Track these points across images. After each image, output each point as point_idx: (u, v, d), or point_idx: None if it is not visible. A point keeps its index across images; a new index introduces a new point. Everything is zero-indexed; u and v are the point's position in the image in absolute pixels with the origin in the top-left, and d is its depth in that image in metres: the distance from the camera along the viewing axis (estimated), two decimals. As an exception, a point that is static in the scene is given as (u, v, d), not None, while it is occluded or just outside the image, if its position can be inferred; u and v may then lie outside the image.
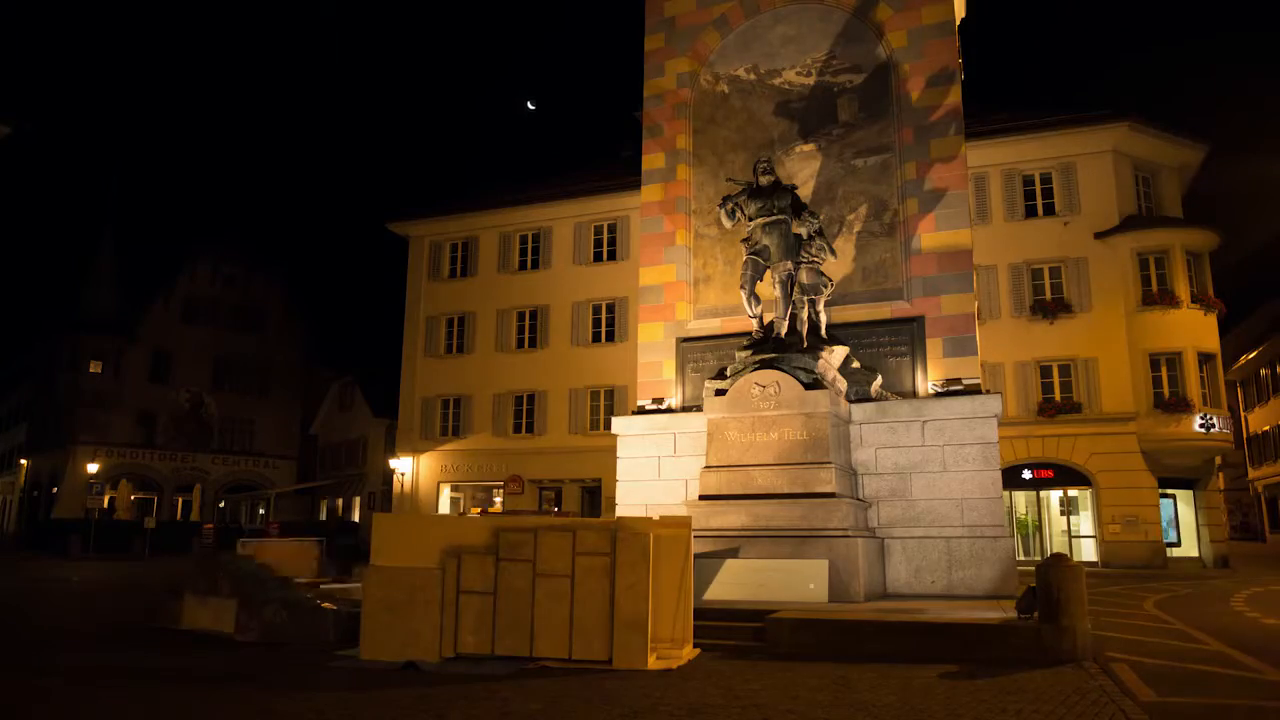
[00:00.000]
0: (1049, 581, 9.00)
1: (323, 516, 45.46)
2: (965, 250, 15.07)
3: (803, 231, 14.64)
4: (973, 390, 14.31)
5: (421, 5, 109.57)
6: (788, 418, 13.12)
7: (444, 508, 32.79)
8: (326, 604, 10.75)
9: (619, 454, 15.90)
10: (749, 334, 14.99)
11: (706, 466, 13.59)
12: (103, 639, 10.97)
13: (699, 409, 14.65)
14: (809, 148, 16.32)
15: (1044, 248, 27.28)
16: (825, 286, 14.72)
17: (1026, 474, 26.55)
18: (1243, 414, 46.23)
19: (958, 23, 16.53)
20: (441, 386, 33.52)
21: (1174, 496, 26.98)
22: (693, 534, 10.12)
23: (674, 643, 9.30)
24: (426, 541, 9.20)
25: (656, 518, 10.84)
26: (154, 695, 7.46)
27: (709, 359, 15.96)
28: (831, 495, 12.53)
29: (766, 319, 14.81)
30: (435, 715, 6.49)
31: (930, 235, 15.11)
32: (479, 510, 30.94)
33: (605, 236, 32.44)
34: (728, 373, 14.29)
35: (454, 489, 33.54)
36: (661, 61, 17.86)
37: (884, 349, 15.07)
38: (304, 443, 47.86)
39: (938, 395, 14.35)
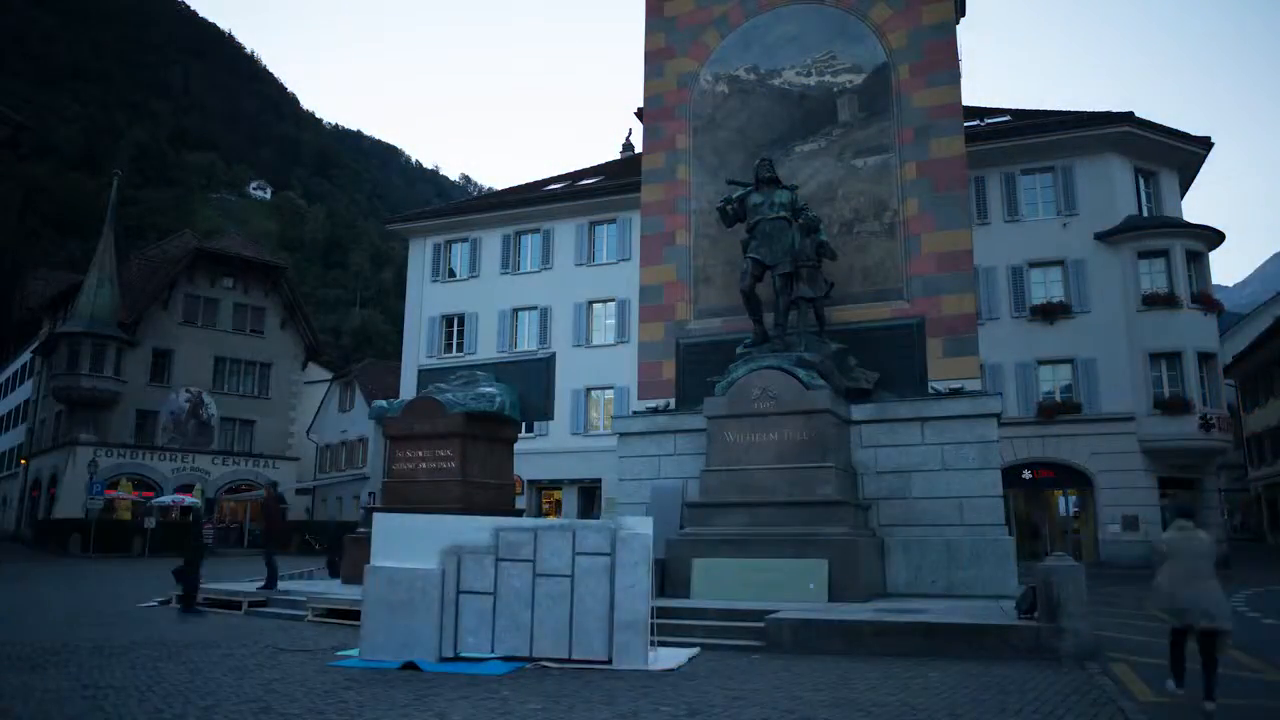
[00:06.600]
0: (1049, 581, 9.01)
1: (323, 517, 45.35)
2: (965, 250, 15.06)
3: (802, 232, 14.63)
4: (972, 390, 14.30)
5: (422, 5, 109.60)
6: (787, 418, 13.10)
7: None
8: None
9: (619, 454, 15.89)
10: (749, 334, 14.99)
11: (706, 468, 13.58)
12: (101, 641, 10.96)
13: (699, 409, 14.64)
14: (809, 148, 16.30)
15: (1044, 248, 27.27)
16: (825, 286, 14.72)
17: (1026, 474, 26.52)
18: (1243, 414, 46.17)
19: (957, 23, 16.52)
20: (442, 387, 33.41)
21: (1174, 496, 26.94)
22: (693, 535, 10.13)
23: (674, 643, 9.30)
24: (426, 541, 9.21)
25: (656, 518, 10.84)
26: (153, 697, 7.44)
27: (709, 359, 15.93)
28: (831, 495, 12.52)
29: (766, 319, 14.80)
30: (435, 715, 6.48)
31: (930, 235, 15.10)
32: None
33: (606, 237, 32.46)
34: (727, 373, 14.28)
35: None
36: (661, 62, 17.85)
37: (884, 349, 15.06)
38: (304, 443, 47.78)
39: (937, 395, 14.34)
